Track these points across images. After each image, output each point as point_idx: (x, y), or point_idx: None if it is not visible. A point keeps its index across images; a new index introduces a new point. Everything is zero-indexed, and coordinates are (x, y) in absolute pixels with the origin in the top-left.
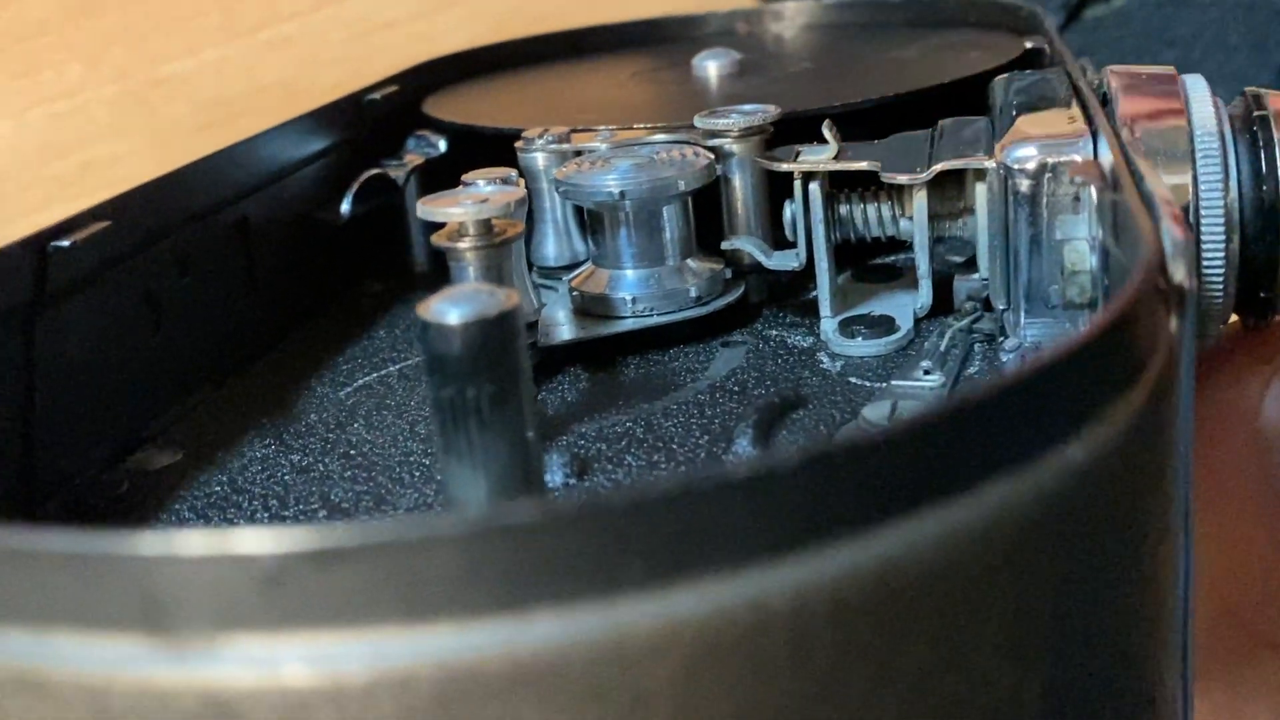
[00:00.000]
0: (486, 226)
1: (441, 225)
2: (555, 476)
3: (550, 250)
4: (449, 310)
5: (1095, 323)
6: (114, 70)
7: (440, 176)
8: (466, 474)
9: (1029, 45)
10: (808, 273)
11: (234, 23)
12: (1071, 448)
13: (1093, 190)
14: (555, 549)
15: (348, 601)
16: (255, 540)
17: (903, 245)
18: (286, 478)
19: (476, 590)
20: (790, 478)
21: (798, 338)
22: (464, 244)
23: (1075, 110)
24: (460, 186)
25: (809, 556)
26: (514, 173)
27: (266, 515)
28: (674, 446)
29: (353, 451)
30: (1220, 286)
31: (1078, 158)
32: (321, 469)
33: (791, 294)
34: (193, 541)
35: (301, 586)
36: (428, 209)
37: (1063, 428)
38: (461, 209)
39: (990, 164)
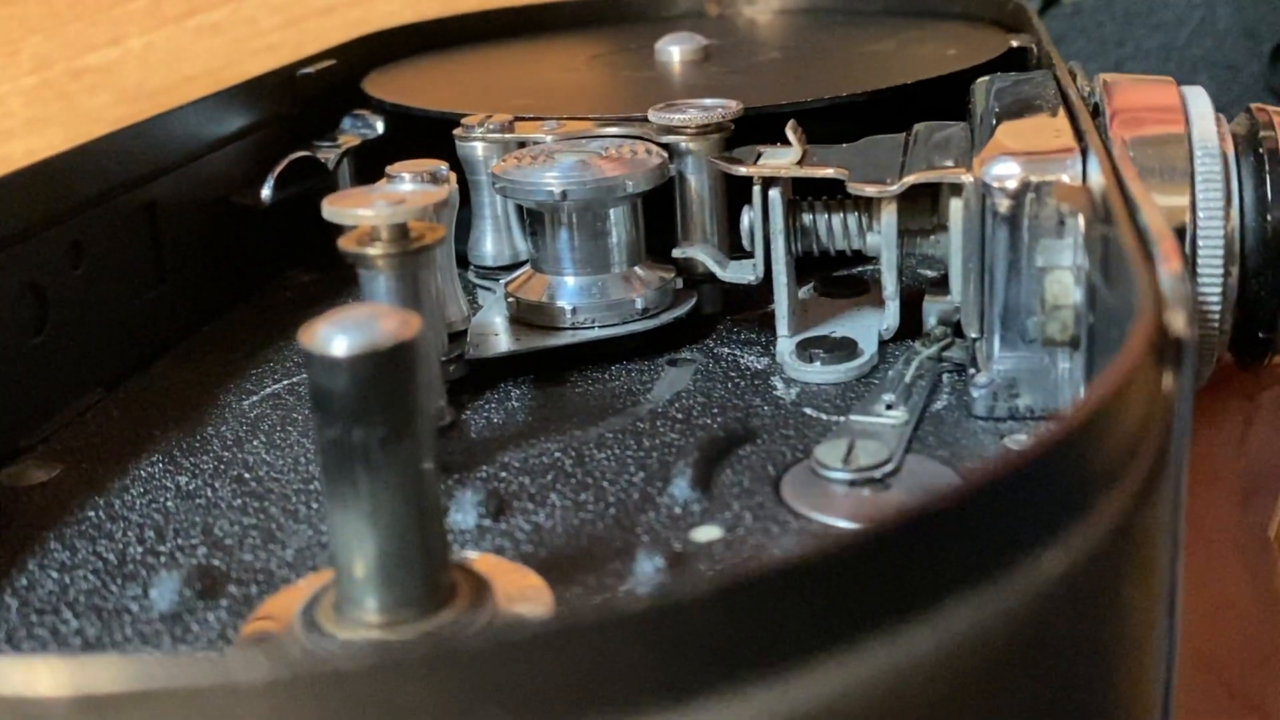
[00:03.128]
0: (402, 231)
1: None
2: (468, 517)
3: (489, 248)
4: (335, 337)
5: (1080, 409)
6: (32, 60)
7: (376, 160)
8: (353, 525)
9: (1014, 44)
10: (766, 283)
11: (160, 8)
12: (1047, 556)
13: (1080, 219)
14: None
15: None
16: (49, 678)
17: (869, 258)
18: (169, 504)
19: None
20: (697, 610)
21: (751, 358)
22: (375, 250)
23: (1062, 121)
24: (384, 180)
25: (717, 704)
26: (445, 166)
27: (140, 549)
28: (604, 484)
29: (247, 475)
30: (1215, 323)
31: (1065, 177)
32: (209, 494)
33: (748, 305)
34: None
35: None
36: (334, 209)
37: (1039, 533)
38: (373, 210)
39: (967, 179)
